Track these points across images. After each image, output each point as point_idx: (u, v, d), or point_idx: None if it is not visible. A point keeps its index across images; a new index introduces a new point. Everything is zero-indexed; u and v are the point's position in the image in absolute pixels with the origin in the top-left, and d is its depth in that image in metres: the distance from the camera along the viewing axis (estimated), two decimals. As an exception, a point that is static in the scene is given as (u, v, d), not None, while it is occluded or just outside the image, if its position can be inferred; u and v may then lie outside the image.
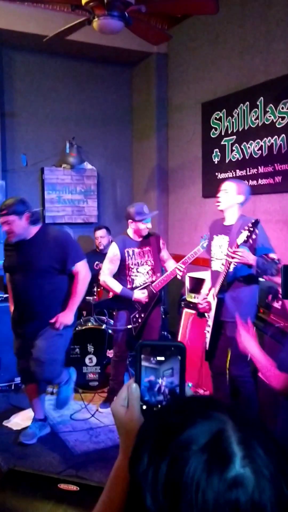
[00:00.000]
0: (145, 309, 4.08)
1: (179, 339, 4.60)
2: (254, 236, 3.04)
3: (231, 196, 3.39)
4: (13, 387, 4.61)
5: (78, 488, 2.22)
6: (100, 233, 5.31)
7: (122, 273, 4.06)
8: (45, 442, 3.48)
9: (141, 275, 4.06)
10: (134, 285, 4.05)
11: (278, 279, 2.96)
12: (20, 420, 3.96)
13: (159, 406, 0.91)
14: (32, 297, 3.31)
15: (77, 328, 4.56)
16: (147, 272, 4.08)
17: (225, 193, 3.40)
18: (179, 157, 5.87)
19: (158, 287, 4.06)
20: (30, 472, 2.42)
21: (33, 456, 3.43)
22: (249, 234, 3.01)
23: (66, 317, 3.33)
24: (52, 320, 3.30)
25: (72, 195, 5.97)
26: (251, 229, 3.02)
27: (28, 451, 3.49)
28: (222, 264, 3.35)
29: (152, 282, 4.07)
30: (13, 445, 3.58)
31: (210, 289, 3.59)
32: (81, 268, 3.40)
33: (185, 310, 4.65)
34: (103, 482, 2.37)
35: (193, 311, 4.51)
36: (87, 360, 4.56)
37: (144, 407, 0.91)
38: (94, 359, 4.55)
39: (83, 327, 4.54)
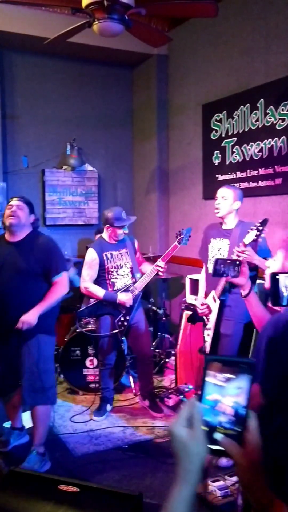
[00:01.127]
0: (129, 312, 4.06)
1: (179, 341, 4.60)
2: (263, 235, 3.03)
3: (229, 203, 3.43)
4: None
5: (78, 490, 2.22)
6: None
7: (101, 278, 4.04)
8: (46, 444, 3.48)
9: (121, 277, 4.05)
10: (115, 288, 4.03)
11: (239, 280, 2.98)
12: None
13: (222, 428, 0.84)
14: (14, 300, 3.20)
15: (77, 330, 4.57)
16: (127, 274, 4.08)
17: (224, 200, 3.42)
18: (180, 158, 5.88)
19: (139, 288, 4.06)
20: (31, 473, 2.43)
21: (33, 458, 3.43)
22: (258, 233, 3.00)
23: (29, 316, 3.11)
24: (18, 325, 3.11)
25: (73, 197, 5.98)
26: (260, 228, 3.01)
27: (28, 453, 3.49)
28: None
29: (133, 283, 4.07)
30: (13, 447, 3.59)
31: (208, 292, 3.56)
32: (61, 279, 3.29)
33: (185, 312, 4.65)
34: (102, 484, 2.37)
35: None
36: (87, 362, 4.57)
37: (205, 428, 0.84)
38: (95, 361, 4.55)
39: (83, 329, 4.55)
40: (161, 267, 3.95)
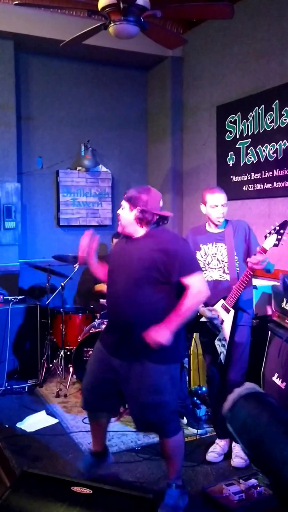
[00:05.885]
0: None
1: (193, 342, 4.57)
2: (285, 238, 2.89)
3: (226, 208, 3.34)
4: (26, 389, 4.63)
5: (91, 491, 2.23)
6: None
7: None
8: (58, 445, 3.48)
9: None
10: None
11: None
12: (33, 422, 3.98)
13: None
14: (124, 307, 2.70)
15: (90, 331, 4.57)
16: None
17: (224, 208, 3.31)
18: (194, 160, 5.87)
19: None
20: (43, 475, 2.44)
21: (46, 459, 3.43)
22: (279, 237, 2.89)
23: (159, 334, 2.55)
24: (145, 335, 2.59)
25: (87, 198, 6.00)
26: (282, 231, 2.89)
27: (41, 454, 3.50)
28: (224, 272, 3.27)
29: None
30: (26, 447, 3.60)
31: (211, 301, 3.29)
32: (193, 282, 2.64)
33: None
34: (116, 486, 2.37)
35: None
36: (100, 363, 4.55)
37: None
38: (108, 362, 4.53)
39: (97, 330, 4.55)
40: None
